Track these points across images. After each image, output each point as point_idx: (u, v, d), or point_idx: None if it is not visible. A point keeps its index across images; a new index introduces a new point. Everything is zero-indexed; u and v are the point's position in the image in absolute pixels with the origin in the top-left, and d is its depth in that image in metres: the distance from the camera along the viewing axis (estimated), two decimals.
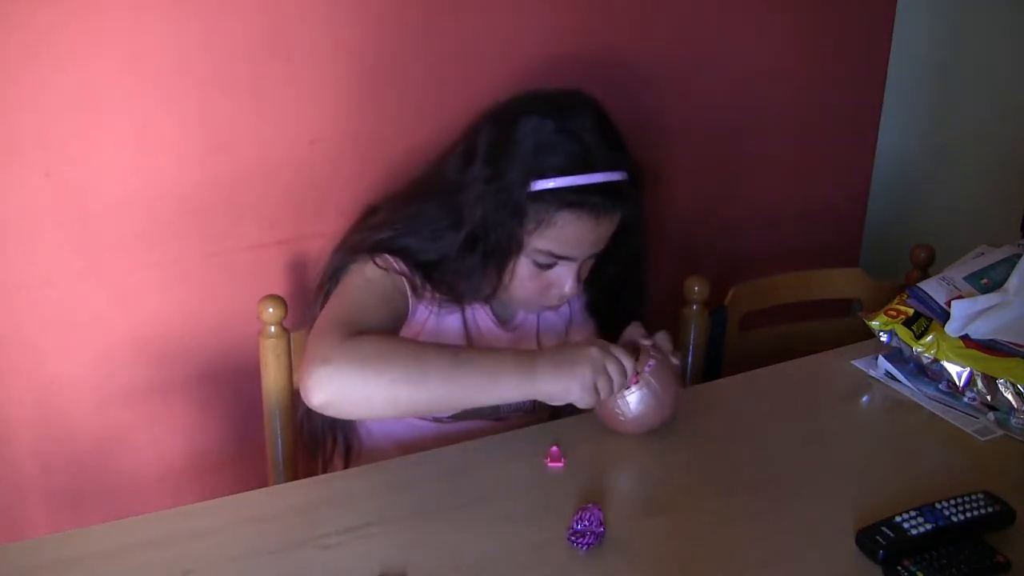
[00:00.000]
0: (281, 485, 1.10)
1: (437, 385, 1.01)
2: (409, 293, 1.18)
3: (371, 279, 1.16)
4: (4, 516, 1.46)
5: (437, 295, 1.19)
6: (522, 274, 1.18)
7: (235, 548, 0.94)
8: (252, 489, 1.05)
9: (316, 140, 1.48)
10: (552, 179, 1.11)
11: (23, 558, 0.93)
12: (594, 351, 1.04)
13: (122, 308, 1.43)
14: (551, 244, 1.15)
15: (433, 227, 1.18)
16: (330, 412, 1.01)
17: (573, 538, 0.94)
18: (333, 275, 1.19)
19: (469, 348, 1.09)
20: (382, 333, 1.08)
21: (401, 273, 1.18)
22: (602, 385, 1.04)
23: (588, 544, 0.93)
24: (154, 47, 1.34)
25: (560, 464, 1.08)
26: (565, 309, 1.35)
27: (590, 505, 0.96)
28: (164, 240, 1.43)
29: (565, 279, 1.18)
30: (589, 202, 1.12)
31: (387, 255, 1.18)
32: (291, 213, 1.50)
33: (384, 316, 1.13)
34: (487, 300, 1.22)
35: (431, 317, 1.21)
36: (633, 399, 1.10)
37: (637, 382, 1.09)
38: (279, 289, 1.43)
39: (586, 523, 0.94)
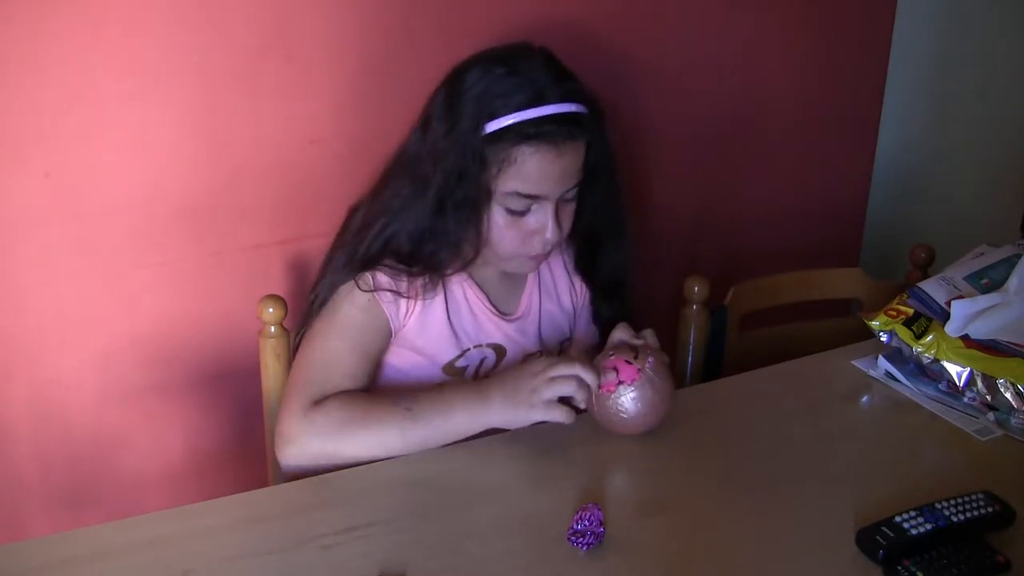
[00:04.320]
0: (281, 485, 1.09)
1: (394, 442, 1.08)
2: (389, 314, 1.18)
3: (349, 315, 1.17)
4: (4, 516, 1.46)
5: (421, 282, 1.18)
6: (499, 224, 1.16)
7: (235, 548, 0.94)
8: (252, 489, 1.05)
9: (316, 140, 1.48)
10: (504, 117, 1.11)
11: (23, 558, 0.93)
12: (535, 378, 1.06)
13: (122, 308, 1.43)
14: (517, 183, 1.13)
15: (407, 203, 1.17)
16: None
17: (573, 538, 0.94)
18: (322, 303, 1.19)
19: (422, 395, 1.11)
20: (341, 395, 1.11)
21: (386, 289, 1.17)
22: (561, 387, 1.06)
23: (588, 544, 0.93)
24: (154, 47, 1.34)
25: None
26: (571, 310, 1.35)
27: (590, 505, 0.96)
28: (164, 240, 1.43)
29: (543, 222, 1.16)
30: (545, 132, 1.11)
31: (368, 274, 1.17)
32: (291, 213, 1.50)
33: (355, 363, 1.16)
34: (471, 262, 1.20)
35: (416, 316, 1.20)
36: (635, 396, 1.09)
37: (639, 379, 1.09)
38: (279, 289, 1.44)
39: (586, 523, 0.94)
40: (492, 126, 1.11)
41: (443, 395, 1.11)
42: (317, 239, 1.47)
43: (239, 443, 1.56)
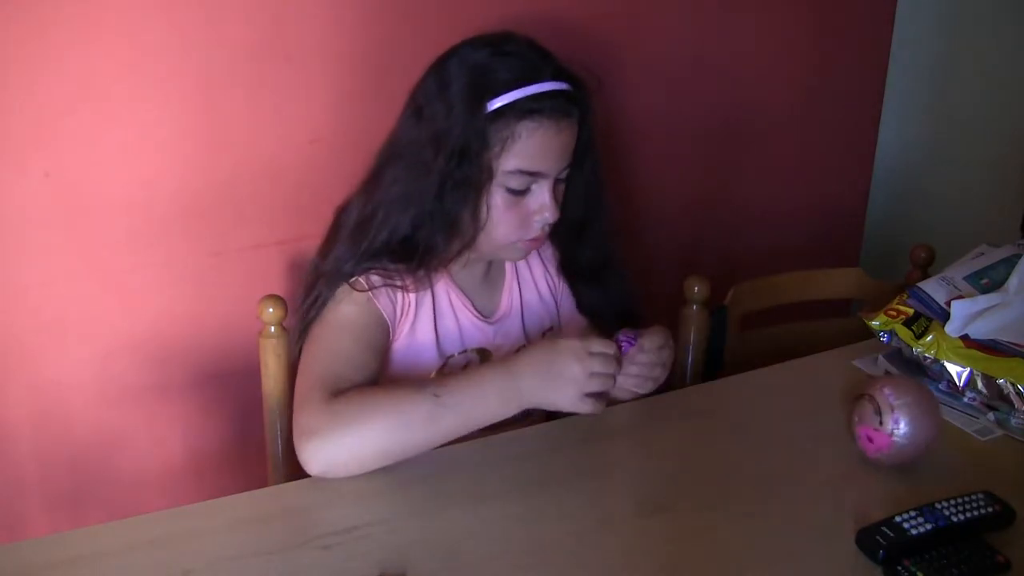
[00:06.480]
0: (281, 485, 1.09)
1: (422, 430, 1.03)
2: (387, 314, 1.16)
3: (349, 314, 1.15)
4: (4, 516, 1.46)
5: (412, 279, 1.17)
6: (499, 206, 1.15)
7: (235, 548, 0.94)
8: (252, 489, 1.05)
9: (316, 140, 1.48)
10: (505, 95, 1.11)
11: (23, 558, 0.93)
12: (575, 368, 1.03)
13: (122, 308, 1.43)
14: (520, 160, 1.13)
15: (408, 190, 1.16)
16: (330, 477, 1.04)
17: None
18: (315, 304, 1.17)
19: (449, 381, 1.06)
20: (361, 386, 1.08)
21: (382, 285, 1.16)
22: (598, 384, 1.05)
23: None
24: (155, 47, 1.34)
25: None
26: (550, 300, 1.34)
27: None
28: (164, 240, 1.43)
29: (543, 202, 1.16)
30: (547, 107, 1.12)
31: (362, 277, 1.16)
32: (291, 213, 1.50)
33: (364, 357, 1.13)
34: (463, 253, 1.19)
35: (405, 332, 1.19)
36: (903, 429, 1.05)
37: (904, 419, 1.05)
38: (279, 289, 1.43)
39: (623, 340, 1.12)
40: (495, 104, 1.11)
41: (472, 380, 1.06)
42: (316, 239, 1.46)
43: (239, 443, 1.56)
